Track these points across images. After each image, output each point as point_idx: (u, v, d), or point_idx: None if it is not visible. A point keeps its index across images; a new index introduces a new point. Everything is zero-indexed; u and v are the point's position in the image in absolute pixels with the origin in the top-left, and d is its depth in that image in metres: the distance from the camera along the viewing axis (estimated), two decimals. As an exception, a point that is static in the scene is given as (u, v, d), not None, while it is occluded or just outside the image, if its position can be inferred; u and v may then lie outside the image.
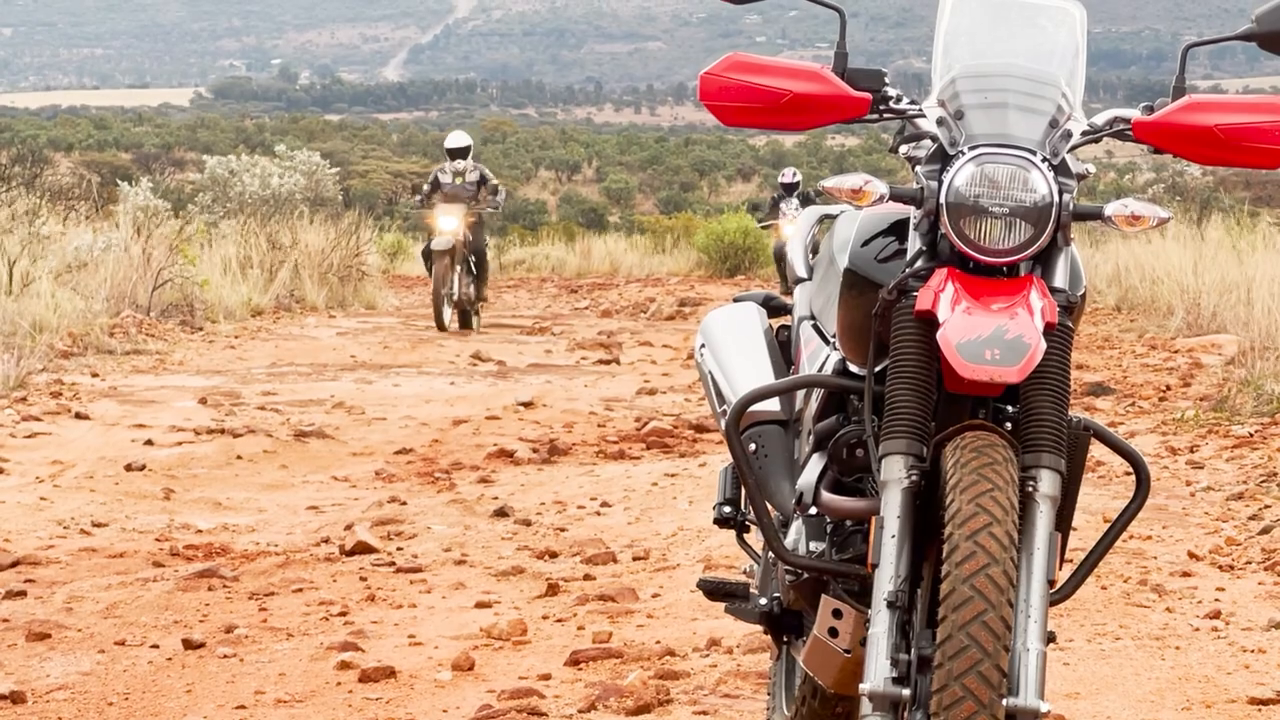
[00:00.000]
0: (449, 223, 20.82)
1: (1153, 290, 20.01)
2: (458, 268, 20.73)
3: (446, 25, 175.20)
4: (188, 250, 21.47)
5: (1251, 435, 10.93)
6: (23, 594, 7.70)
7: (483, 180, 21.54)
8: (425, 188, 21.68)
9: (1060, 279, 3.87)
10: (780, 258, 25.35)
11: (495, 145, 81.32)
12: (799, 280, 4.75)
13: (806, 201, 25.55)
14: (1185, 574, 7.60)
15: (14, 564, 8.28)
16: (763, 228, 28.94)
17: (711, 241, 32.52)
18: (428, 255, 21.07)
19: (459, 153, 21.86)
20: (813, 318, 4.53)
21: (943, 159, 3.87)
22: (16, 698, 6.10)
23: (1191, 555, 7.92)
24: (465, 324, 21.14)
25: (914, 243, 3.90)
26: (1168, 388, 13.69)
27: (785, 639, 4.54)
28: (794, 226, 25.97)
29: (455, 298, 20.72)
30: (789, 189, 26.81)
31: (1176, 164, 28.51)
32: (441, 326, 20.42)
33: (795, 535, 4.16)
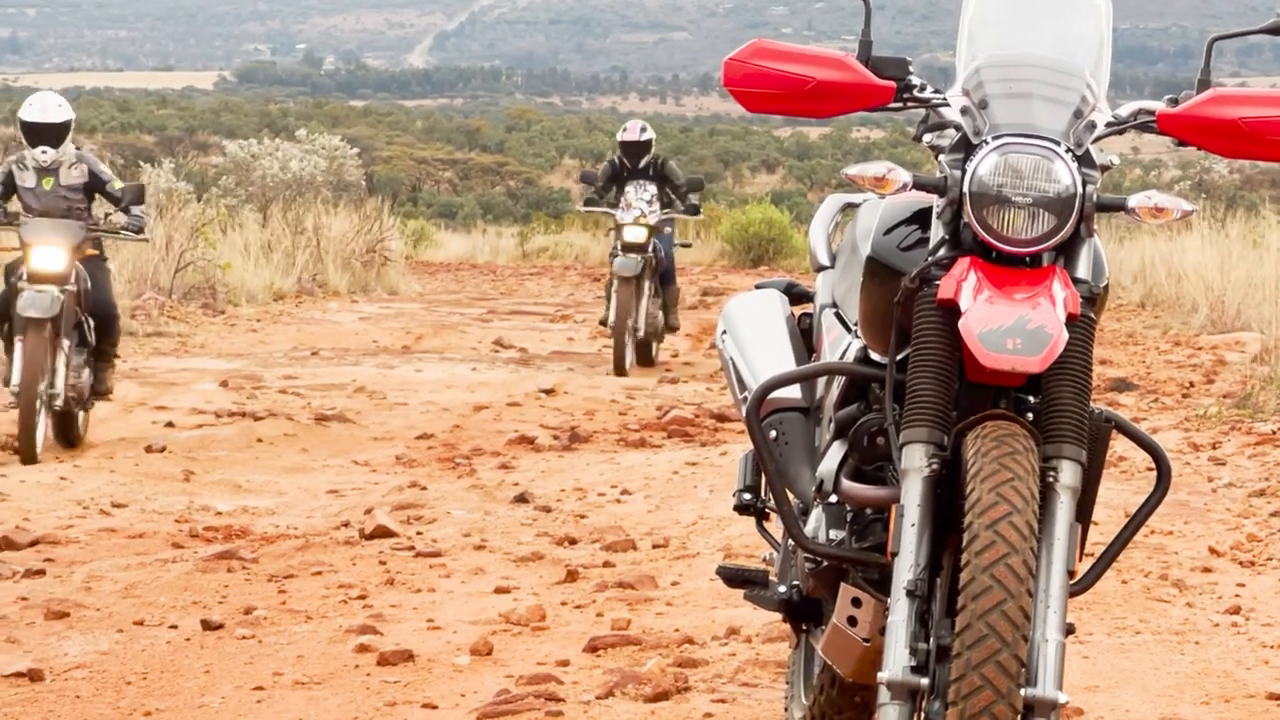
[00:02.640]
0: (52, 258, 10.90)
1: (1177, 287, 19.96)
2: (65, 341, 10.92)
3: (472, 12, 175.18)
4: (209, 233, 21.44)
5: (1274, 432, 10.90)
6: (41, 573, 7.72)
7: (95, 183, 11.34)
8: None
9: (1083, 270, 3.86)
10: (630, 272, 15.55)
11: (520, 133, 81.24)
12: (820, 268, 4.74)
13: (659, 172, 16.19)
14: (1206, 570, 7.58)
15: (33, 543, 8.30)
16: (584, 208, 17.46)
17: (735, 232, 32.42)
18: (6, 316, 11.00)
19: (49, 132, 11.33)
20: (834, 305, 4.52)
21: (966, 148, 3.86)
22: (35, 675, 6.12)
23: (1212, 551, 7.91)
24: (65, 433, 11.18)
25: (937, 231, 3.89)
26: (1191, 384, 13.66)
27: (804, 627, 4.54)
28: (630, 221, 18.76)
29: (60, 396, 10.84)
30: (633, 152, 16.31)
31: (1203, 160, 28.40)
32: (30, 455, 10.59)
33: (815, 523, 4.15)
